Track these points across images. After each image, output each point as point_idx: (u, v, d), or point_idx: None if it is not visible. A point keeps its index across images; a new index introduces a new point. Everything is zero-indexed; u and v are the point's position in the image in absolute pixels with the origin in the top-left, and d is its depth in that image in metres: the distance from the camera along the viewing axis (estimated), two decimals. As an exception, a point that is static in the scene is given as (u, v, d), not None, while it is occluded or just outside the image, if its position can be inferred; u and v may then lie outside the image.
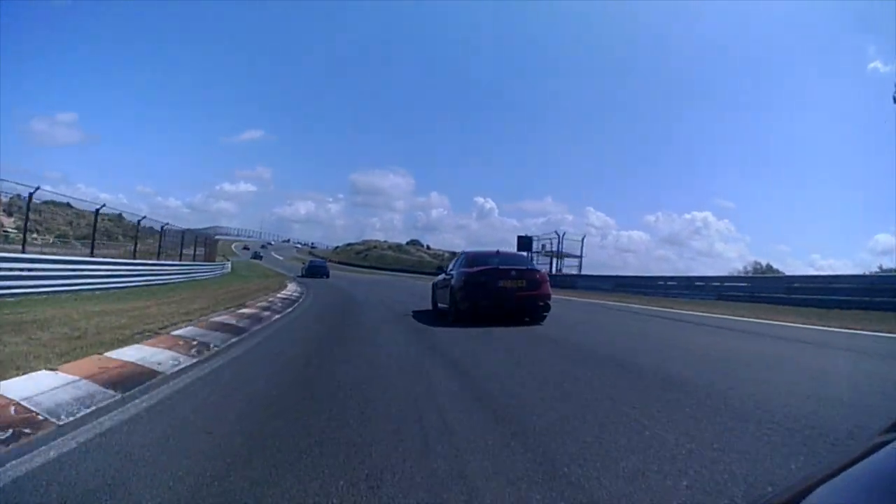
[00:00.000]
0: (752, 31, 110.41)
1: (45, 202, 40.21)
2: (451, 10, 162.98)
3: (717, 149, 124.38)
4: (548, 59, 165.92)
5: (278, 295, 13.46)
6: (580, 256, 32.00)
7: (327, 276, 30.17)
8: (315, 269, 31.31)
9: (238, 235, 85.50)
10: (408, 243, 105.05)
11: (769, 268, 30.99)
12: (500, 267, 8.33)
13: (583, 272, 31.55)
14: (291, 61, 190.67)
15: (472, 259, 9.12)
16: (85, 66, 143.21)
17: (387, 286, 23.39)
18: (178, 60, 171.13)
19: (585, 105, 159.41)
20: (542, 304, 8.19)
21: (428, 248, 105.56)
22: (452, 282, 8.59)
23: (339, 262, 71.83)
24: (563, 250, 31.56)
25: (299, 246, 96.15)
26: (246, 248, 72.13)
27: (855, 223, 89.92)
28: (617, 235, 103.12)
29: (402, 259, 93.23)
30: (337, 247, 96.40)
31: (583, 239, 32.47)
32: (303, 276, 29.84)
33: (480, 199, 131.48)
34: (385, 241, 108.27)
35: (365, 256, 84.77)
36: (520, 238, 33.03)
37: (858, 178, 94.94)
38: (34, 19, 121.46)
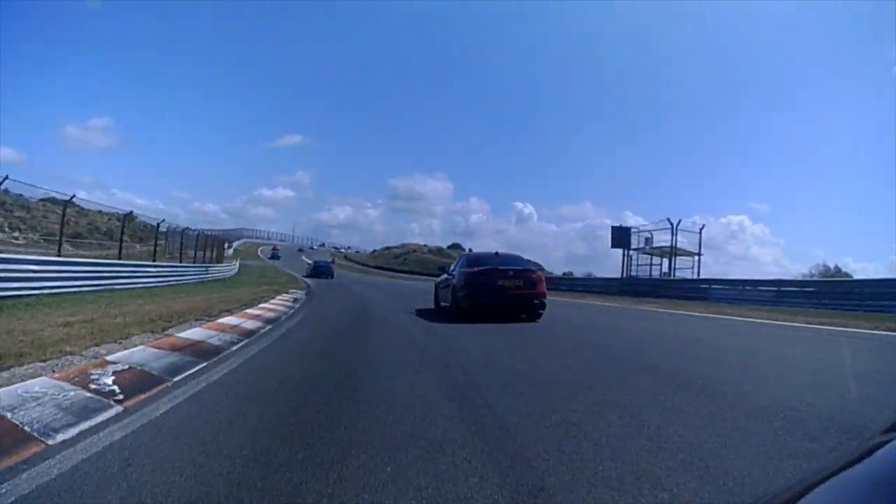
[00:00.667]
0: (781, 34, 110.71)
1: (43, 200, 35.94)
2: (490, 15, 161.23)
3: (751, 151, 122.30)
4: (584, 64, 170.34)
5: (225, 321, 6.29)
6: (698, 254, 23.24)
7: (331, 277, 30.88)
8: (319, 270, 31.82)
9: (269, 239, 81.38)
10: (449, 247, 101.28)
11: (837, 270, 28.31)
12: (499, 267, 8.72)
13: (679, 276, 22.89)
14: (330, 66, 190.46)
15: (473, 260, 9.62)
16: (119, 71, 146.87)
17: (424, 295, 16.04)
18: (216, 65, 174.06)
19: (623, 109, 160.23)
20: (537, 301, 8.63)
21: (470, 250, 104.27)
22: (454, 281, 9.06)
23: (377, 267, 66.22)
24: (678, 245, 22.91)
25: (334, 250, 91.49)
26: (274, 249, 67.38)
27: (882, 226, 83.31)
28: (654, 240, 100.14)
29: (444, 264, 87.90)
30: (374, 251, 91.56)
31: (700, 230, 23.67)
32: (307, 275, 30.49)
33: (519, 205, 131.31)
34: (425, 245, 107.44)
35: (404, 260, 78.84)
36: (615, 230, 24.73)
37: (884, 181, 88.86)
38: (65, 23, 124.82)
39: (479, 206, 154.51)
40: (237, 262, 33.09)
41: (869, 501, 0.47)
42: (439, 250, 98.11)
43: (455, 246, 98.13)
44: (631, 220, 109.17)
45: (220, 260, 29.26)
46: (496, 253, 9.86)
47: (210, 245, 28.44)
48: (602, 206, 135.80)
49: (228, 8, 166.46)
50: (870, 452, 0.53)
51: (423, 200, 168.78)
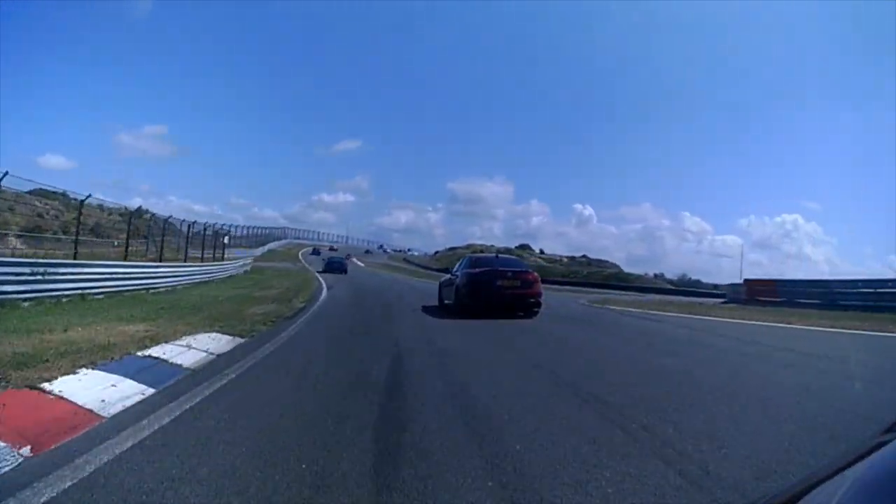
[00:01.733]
0: (835, 33, 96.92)
1: (31, 191, 29.04)
2: (548, 16, 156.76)
3: (804, 149, 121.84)
4: (642, 66, 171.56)
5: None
6: None
7: (345, 272, 31.08)
8: (333, 265, 31.86)
9: (320, 240, 73.47)
10: (517, 247, 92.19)
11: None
12: (499, 268, 9.37)
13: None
14: (388, 71, 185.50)
15: (475, 262, 10.23)
16: (173, 79, 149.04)
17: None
18: (273, 71, 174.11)
19: (682, 108, 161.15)
20: (532, 300, 9.25)
21: (541, 252, 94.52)
22: (457, 281, 9.65)
23: (439, 270, 56.14)
24: None
25: (393, 252, 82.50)
26: (318, 250, 58.60)
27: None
28: (712, 240, 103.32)
29: None
30: (437, 252, 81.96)
31: None
32: (322, 270, 30.55)
33: (579, 206, 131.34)
34: (492, 245, 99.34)
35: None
36: None
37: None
38: (116, 30, 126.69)
39: (540, 208, 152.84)
40: (241, 263, 23.72)
41: (869, 501, 0.46)
42: (507, 251, 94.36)
43: (523, 247, 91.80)
44: (689, 220, 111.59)
45: (216, 259, 19.60)
46: (496, 256, 11.64)
47: (207, 243, 19.11)
48: (661, 207, 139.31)
49: (284, 14, 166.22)
50: (870, 452, 0.52)
51: (483, 203, 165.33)
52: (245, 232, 41.67)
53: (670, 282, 78.05)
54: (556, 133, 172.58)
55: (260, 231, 50.50)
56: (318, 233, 78.37)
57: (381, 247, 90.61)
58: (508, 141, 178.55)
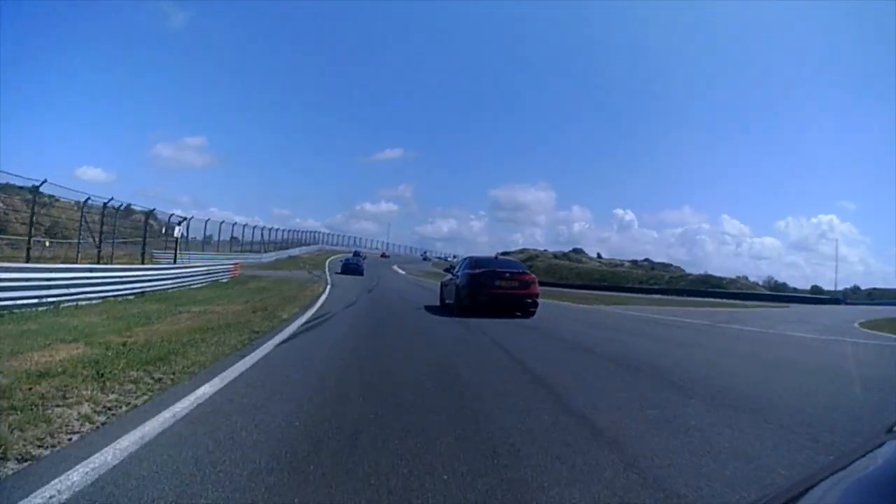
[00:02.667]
0: (870, 32, 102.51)
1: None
2: (585, 21, 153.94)
3: (839, 147, 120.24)
4: (681, 67, 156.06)
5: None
6: None
7: (361, 274, 30.57)
8: (349, 267, 31.81)
9: (358, 245, 67.22)
10: (572, 251, 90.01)
11: None
12: (497, 269, 9.87)
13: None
14: (429, 79, 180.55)
15: (475, 262, 10.53)
16: (212, 89, 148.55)
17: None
18: (314, 81, 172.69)
19: (720, 110, 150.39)
20: (529, 300, 9.75)
21: (599, 256, 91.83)
22: (458, 281, 10.17)
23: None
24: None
25: (437, 259, 75.47)
26: (359, 254, 51.61)
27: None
28: (751, 243, 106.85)
29: (582, 270, 67.90)
30: (487, 258, 73.33)
31: None
32: (340, 272, 31.01)
33: (620, 211, 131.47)
34: (546, 250, 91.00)
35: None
36: None
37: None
38: (152, 41, 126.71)
39: (581, 214, 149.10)
40: (204, 269, 16.31)
41: (869, 501, 0.46)
42: (565, 255, 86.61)
43: (577, 251, 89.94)
44: (728, 223, 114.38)
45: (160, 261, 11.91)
46: (496, 257, 12.17)
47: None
48: (701, 211, 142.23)
49: (324, 25, 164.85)
50: (870, 452, 0.52)
51: (525, 210, 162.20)
52: (260, 236, 35.26)
53: (755, 284, 66.15)
54: (595, 138, 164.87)
55: (289, 234, 44.32)
56: (357, 239, 72.27)
57: (424, 253, 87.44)
58: (549, 147, 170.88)
